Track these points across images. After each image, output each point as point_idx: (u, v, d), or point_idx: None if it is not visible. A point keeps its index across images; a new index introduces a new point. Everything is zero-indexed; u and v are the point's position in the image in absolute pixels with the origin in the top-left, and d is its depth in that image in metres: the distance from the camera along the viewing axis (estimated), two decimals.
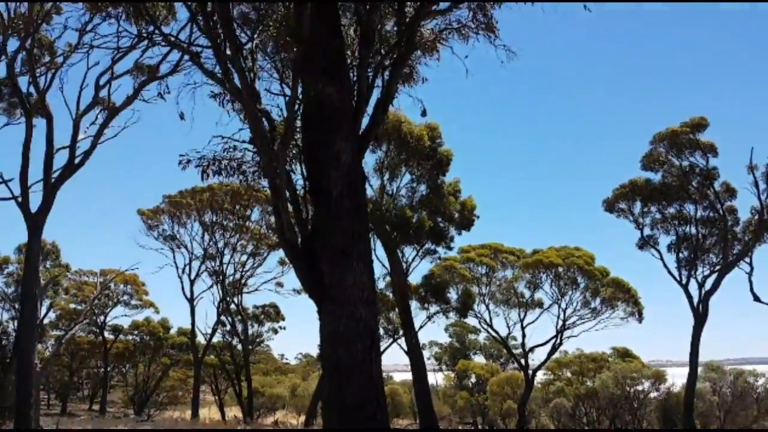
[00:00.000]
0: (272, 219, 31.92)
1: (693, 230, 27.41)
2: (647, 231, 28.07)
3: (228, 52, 6.71)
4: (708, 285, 26.52)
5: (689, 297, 26.72)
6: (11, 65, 18.12)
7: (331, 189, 6.63)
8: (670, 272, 27.35)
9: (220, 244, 33.90)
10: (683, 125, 26.19)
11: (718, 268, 26.57)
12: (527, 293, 28.67)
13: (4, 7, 17.57)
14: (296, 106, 6.97)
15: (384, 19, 7.87)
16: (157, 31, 7.76)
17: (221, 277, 33.87)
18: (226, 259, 34.00)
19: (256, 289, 35.38)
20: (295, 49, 6.79)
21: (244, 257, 34.52)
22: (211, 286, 34.67)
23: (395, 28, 7.86)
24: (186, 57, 10.52)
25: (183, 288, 34.32)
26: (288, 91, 8.03)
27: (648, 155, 27.07)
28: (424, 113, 9.64)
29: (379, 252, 23.92)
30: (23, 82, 18.40)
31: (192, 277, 34.31)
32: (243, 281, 34.83)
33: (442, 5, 7.79)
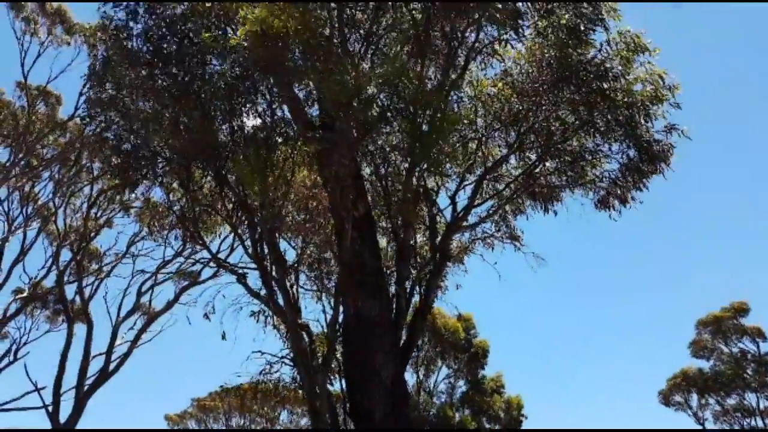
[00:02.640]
0: (302, 422, 30.32)
1: (759, 422, 25.13)
2: (709, 425, 25.86)
3: (275, 274, 7.03)
4: None
5: None
6: (61, 276, 19.12)
7: (374, 409, 6.37)
8: None
9: None
10: (724, 310, 25.59)
11: None
12: None
13: (62, 221, 19.05)
14: (337, 325, 7.06)
15: (417, 235, 8.37)
16: (207, 253, 8.33)
17: None
18: None
19: None
20: (337, 272, 7.10)
21: None
22: None
23: (427, 242, 8.31)
24: None
25: None
26: (326, 303, 8.24)
27: (695, 342, 26.15)
28: (459, 317, 9.76)
29: None
30: (69, 289, 19.20)
31: None
32: None
33: (471, 220, 8.38)
